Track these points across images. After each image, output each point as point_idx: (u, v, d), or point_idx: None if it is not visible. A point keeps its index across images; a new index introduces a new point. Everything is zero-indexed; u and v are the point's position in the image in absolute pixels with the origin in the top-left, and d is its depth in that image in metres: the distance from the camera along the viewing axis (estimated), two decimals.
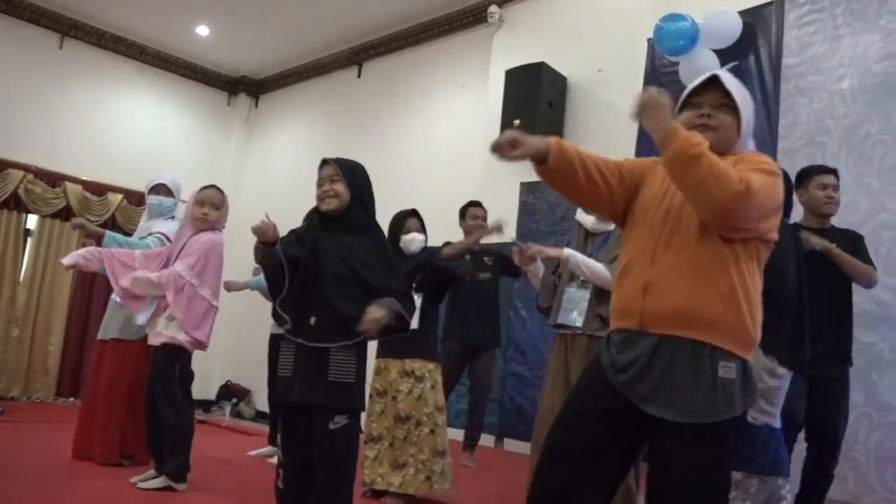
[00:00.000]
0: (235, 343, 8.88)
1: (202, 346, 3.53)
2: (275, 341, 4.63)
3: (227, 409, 8.26)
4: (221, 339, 9.15)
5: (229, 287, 4.85)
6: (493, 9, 6.51)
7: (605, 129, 5.73)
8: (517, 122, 5.76)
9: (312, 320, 2.43)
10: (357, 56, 8.23)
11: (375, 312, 2.35)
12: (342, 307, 2.41)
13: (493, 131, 6.31)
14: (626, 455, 1.79)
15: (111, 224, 8.18)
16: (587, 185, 1.82)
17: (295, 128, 9.02)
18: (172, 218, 4.17)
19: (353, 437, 2.46)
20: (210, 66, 9.20)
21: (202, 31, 8.28)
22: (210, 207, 3.50)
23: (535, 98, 5.69)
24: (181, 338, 3.41)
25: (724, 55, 4.23)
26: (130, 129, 8.60)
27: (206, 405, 8.43)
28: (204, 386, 8.93)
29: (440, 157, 7.13)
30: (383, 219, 3.00)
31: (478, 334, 4.75)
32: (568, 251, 2.95)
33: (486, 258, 4.79)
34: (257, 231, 2.38)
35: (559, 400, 2.69)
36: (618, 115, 5.78)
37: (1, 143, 7.52)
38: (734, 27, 4.15)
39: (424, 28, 7.49)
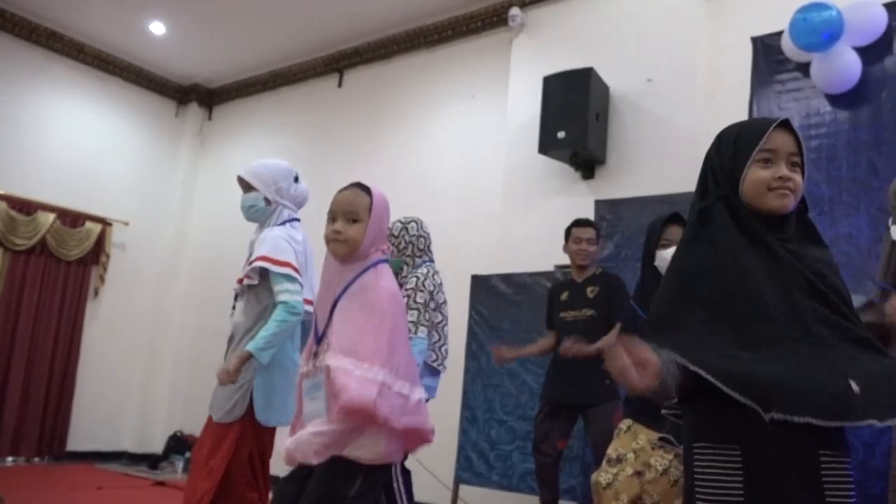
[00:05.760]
0: (185, 386, 7.69)
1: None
2: None
3: (180, 464, 7.03)
4: (166, 380, 7.95)
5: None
6: (514, 11, 5.78)
7: (657, 145, 5.11)
8: (561, 134, 5.05)
9: (855, 386, 1.38)
10: (337, 63, 7.33)
11: None
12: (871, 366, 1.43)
13: (518, 146, 5.58)
14: None
15: (41, 249, 6.94)
16: None
17: (256, 143, 7.95)
18: (283, 224, 2.94)
19: None
20: (157, 71, 8.08)
21: (157, 28, 7.19)
22: (345, 221, 2.13)
23: (583, 109, 4.97)
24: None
25: (864, 54, 3.64)
26: (64, 140, 7.37)
27: (152, 460, 7.20)
28: (144, 438, 7.71)
29: (446, 176, 6.30)
30: None
31: (566, 389, 3.68)
32: None
33: (590, 289, 3.81)
34: None
35: None
36: (672, 129, 5.20)
37: None
38: (879, 19, 3.57)
39: (422, 33, 6.70)
